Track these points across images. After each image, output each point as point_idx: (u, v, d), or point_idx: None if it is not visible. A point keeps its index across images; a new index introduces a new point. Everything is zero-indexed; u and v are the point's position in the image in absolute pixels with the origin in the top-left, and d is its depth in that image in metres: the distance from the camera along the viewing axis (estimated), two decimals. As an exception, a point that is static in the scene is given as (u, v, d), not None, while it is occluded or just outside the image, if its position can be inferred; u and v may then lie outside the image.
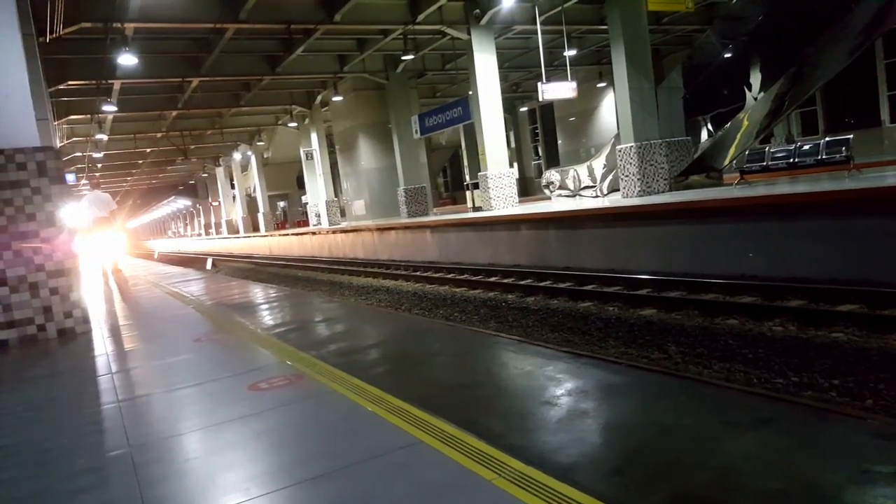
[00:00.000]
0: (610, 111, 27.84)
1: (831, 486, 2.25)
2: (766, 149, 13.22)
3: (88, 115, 22.69)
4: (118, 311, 9.10)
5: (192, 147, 35.68)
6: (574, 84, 17.30)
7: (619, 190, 15.64)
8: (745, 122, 15.46)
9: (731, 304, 8.00)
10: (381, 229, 20.33)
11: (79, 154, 31.56)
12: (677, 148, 14.83)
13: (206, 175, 48.36)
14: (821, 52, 13.80)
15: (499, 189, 18.31)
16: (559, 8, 17.05)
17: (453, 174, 44.87)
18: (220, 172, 46.21)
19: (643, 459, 2.61)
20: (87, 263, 12.44)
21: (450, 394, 3.75)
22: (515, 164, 34.93)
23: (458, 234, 16.17)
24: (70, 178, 27.66)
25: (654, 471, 2.49)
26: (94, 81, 18.28)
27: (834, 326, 6.72)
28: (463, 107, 19.75)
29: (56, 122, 21.00)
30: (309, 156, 29.61)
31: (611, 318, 8.47)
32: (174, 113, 25.99)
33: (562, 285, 11.01)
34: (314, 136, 28.70)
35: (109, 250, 12.54)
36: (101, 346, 6.21)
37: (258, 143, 36.36)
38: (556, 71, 23.59)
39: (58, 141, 21.61)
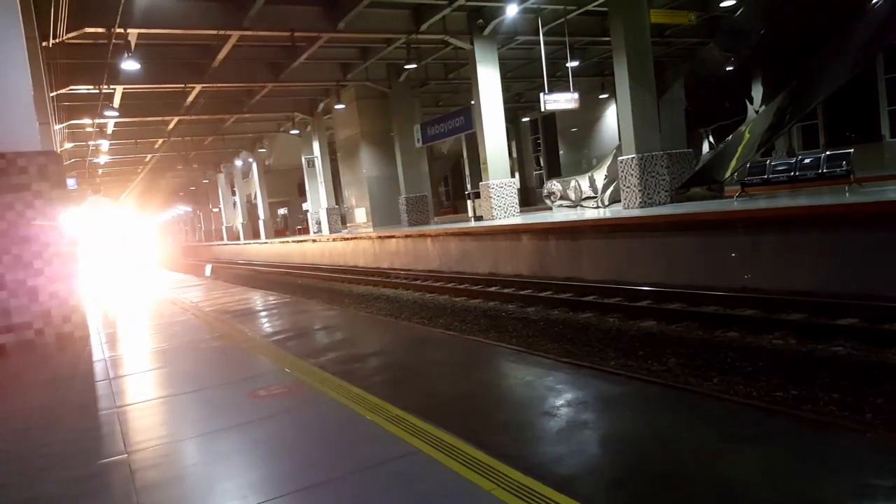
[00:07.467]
0: (612, 122, 27.90)
1: (831, 500, 2.24)
2: (767, 162, 13.24)
3: (90, 120, 22.73)
4: (117, 316, 9.10)
5: (194, 153, 35.74)
6: (576, 95, 17.36)
7: (620, 201, 15.65)
8: (747, 135, 15.49)
9: (732, 317, 7.99)
10: (381, 237, 20.33)
11: (80, 159, 31.61)
12: (679, 160, 14.85)
13: (206, 181, 48.39)
14: (822, 66, 13.85)
15: (500, 199, 18.33)
16: (562, 19, 17.13)
17: (455, 183, 44.91)
18: (221, 179, 46.28)
19: (643, 471, 2.60)
20: (88, 271, 12.39)
21: (449, 403, 3.74)
22: (517, 174, 34.98)
23: (459, 244, 16.17)
24: (71, 182, 27.69)
25: (655, 483, 2.48)
26: (96, 87, 18.33)
27: (834, 340, 6.71)
28: (465, 116, 19.79)
29: (58, 127, 21.04)
30: (310, 163, 29.65)
31: (611, 330, 8.45)
32: (176, 119, 26.05)
33: (562, 296, 11.00)
34: (316, 144, 28.75)
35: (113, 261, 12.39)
36: (100, 351, 6.20)
37: (260, 150, 36.41)
38: (559, 82, 23.67)
39: (59, 145, 21.65)
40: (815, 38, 14.00)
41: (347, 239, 23.26)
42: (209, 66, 18.89)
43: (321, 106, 27.27)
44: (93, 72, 17.49)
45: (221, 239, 49.59)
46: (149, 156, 35.06)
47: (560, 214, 16.96)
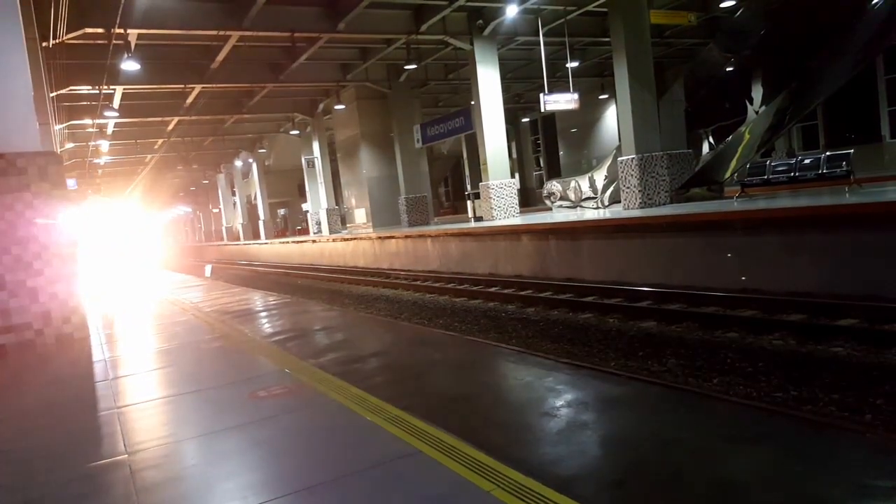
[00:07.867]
0: (612, 123, 27.91)
1: (831, 501, 2.24)
2: (767, 162, 13.23)
3: (90, 121, 22.74)
4: (116, 317, 9.10)
5: (194, 154, 35.73)
6: (576, 96, 17.36)
7: (620, 201, 15.65)
8: (747, 136, 15.48)
9: (732, 318, 7.99)
10: (381, 238, 20.34)
11: (80, 159, 31.61)
12: (679, 160, 14.85)
13: (206, 182, 48.43)
14: (822, 66, 13.85)
15: (500, 199, 18.33)
16: (562, 20, 17.13)
17: (455, 184, 44.92)
18: (221, 179, 46.29)
19: (643, 472, 2.60)
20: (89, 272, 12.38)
21: (449, 404, 3.74)
22: (517, 175, 34.98)
23: (459, 244, 16.17)
24: (71, 182, 27.67)
25: (654, 484, 2.48)
26: (96, 87, 18.32)
27: (834, 341, 6.71)
28: (465, 117, 19.79)
29: (58, 127, 21.03)
30: (310, 163, 29.66)
31: (611, 330, 8.46)
32: (176, 119, 26.06)
33: (562, 296, 11.00)
34: (316, 144, 28.76)
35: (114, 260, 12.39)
36: (100, 352, 6.20)
37: (260, 151, 36.42)
38: (559, 82, 23.66)
39: (59, 146, 21.63)
40: (815, 39, 14.00)
41: (347, 239, 23.26)
42: (209, 66, 18.89)
43: (321, 106, 27.27)
44: (93, 72, 17.48)
45: (221, 239, 49.60)
46: (149, 156, 35.06)
47: (560, 215, 16.96)
